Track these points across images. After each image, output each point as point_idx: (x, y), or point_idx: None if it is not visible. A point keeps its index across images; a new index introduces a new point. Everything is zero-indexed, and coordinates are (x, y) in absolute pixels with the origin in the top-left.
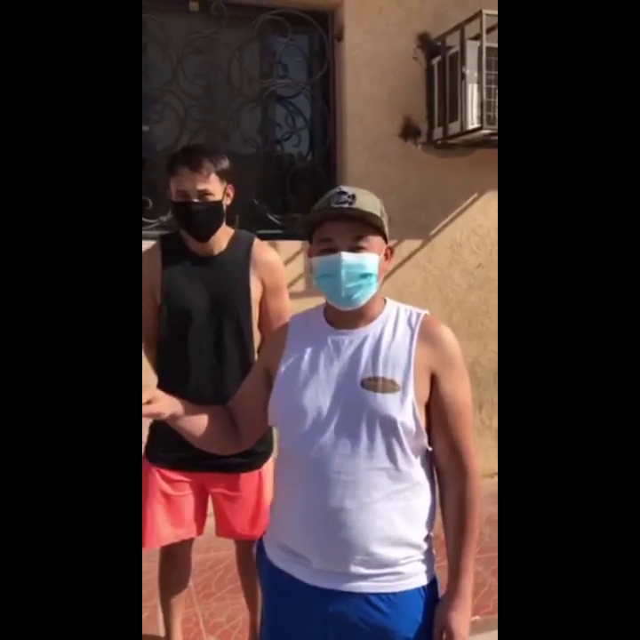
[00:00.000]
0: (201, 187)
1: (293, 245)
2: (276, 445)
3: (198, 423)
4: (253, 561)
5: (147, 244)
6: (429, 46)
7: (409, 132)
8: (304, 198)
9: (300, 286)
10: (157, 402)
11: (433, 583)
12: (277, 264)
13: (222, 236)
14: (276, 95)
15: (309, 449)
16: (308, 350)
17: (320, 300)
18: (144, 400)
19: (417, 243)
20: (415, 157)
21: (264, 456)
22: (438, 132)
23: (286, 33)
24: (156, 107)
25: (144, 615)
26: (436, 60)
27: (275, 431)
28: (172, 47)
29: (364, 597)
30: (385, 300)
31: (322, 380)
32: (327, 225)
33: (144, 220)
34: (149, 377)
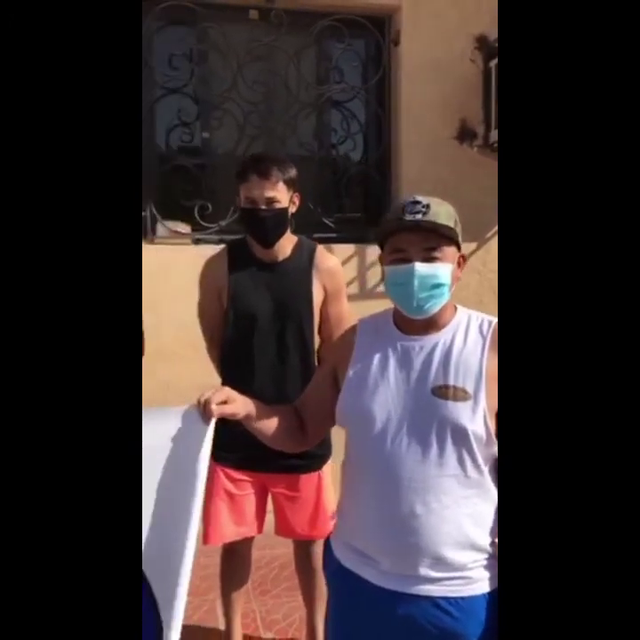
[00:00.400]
0: (269, 194)
1: (347, 249)
2: (335, 447)
3: (269, 423)
4: (311, 560)
5: (206, 248)
6: (487, 48)
7: (465, 134)
8: (358, 202)
9: (353, 289)
10: (233, 402)
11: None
12: (338, 270)
13: (286, 243)
14: (331, 100)
15: (379, 453)
16: (377, 355)
17: (374, 304)
18: (220, 400)
19: (472, 246)
20: (471, 160)
21: (323, 458)
22: (494, 135)
23: (343, 38)
24: (217, 113)
25: (203, 609)
26: (493, 63)
27: (334, 434)
28: (232, 55)
29: (433, 601)
30: (456, 308)
31: (391, 386)
32: (401, 235)
33: (203, 224)
34: (214, 377)
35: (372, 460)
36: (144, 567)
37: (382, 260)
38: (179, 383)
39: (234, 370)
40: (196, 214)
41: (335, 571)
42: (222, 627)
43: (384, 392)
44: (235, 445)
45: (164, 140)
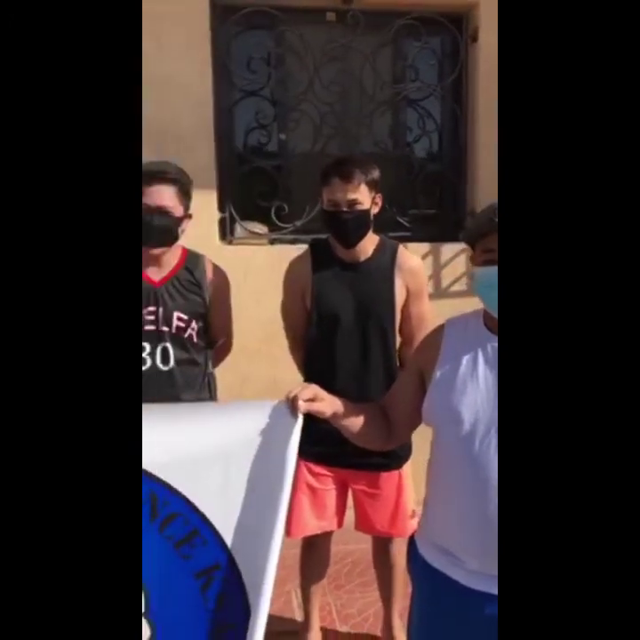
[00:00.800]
0: (351, 196)
1: (421, 248)
2: (415, 446)
3: (355, 421)
4: (389, 557)
5: (282, 248)
6: None
7: None
8: (433, 201)
9: (428, 288)
10: (321, 400)
11: None
12: (420, 270)
13: (368, 244)
14: (407, 99)
15: (467, 454)
16: (467, 355)
17: (448, 303)
18: (308, 397)
19: None
20: None
21: (404, 457)
22: None
23: (420, 37)
24: (293, 115)
25: (281, 599)
26: None
27: (414, 434)
28: (309, 57)
29: None
30: None
31: (481, 387)
32: (493, 236)
33: (280, 224)
34: (289, 373)
35: (459, 461)
36: (234, 554)
37: (474, 260)
38: (255, 378)
39: (317, 369)
40: (273, 215)
41: (421, 569)
42: (298, 617)
43: (473, 393)
44: (317, 440)
45: (242, 143)
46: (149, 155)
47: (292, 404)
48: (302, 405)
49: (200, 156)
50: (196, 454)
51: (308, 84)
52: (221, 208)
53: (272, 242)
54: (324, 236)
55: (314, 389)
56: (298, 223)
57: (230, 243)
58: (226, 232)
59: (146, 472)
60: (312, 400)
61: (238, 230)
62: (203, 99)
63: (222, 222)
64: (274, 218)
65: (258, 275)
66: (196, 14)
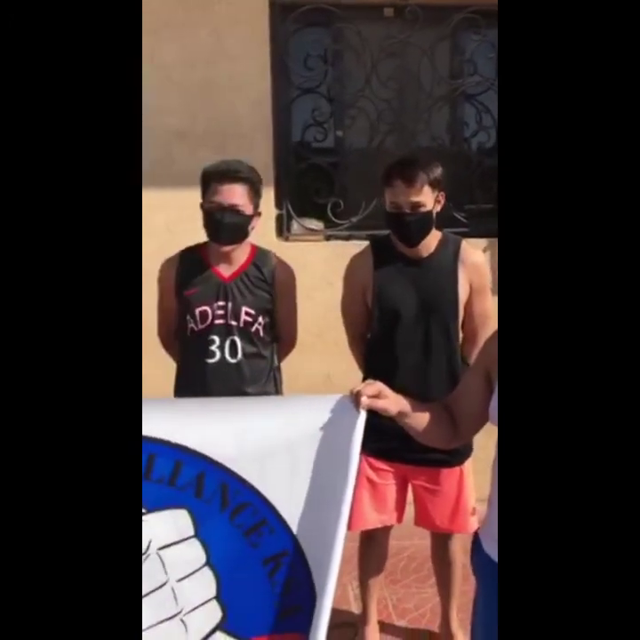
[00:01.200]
0: (414, 199)
1: (479, 243)
2: (476, 443)
3: (419, 419)
4: (448, 553)
5: (337, 244)
6: None
7: None
8: (490, 196)
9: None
10: (385, 398)
11: None
12: (484, 265)
13: (431, 240)
14: (465, 94)
15: None
16: None
17: None
18: (372, 393)
19: None
20: None
21: (465, 454)
22: None
23: (479, 30)
24: (351, 111)
25: (337, 592)
26: None
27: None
28: (366, 53)
29: None
30: None
31: None
32: None
33: (335, 220)
34: (342, 368)
35: None
36: (300, 542)
37: None
38: (308, 373)
39: (377, 365)
40: (329, 211)
41: (485, 566)
42: (354, 609)
43: None
44: (379, 435)
45: (298, 140)
46: (210, 153)
47: (355, 399)
48: (365, 402)
49: (258, 154)
50: (264, 447)
51: (365, 81)
52: (278, 205)
53: (327, 238)
54: (380, 232)
55: (378, 386)
56: (354, 219)
57: (286, 239)
58: (282, 229)
59: (217, 463)
60: (376, 397)
61: (294, 227)
62: (261, 97)
63: (279, 219)
64: (330, 214)
65: (313, 271)
66: (256, 13)
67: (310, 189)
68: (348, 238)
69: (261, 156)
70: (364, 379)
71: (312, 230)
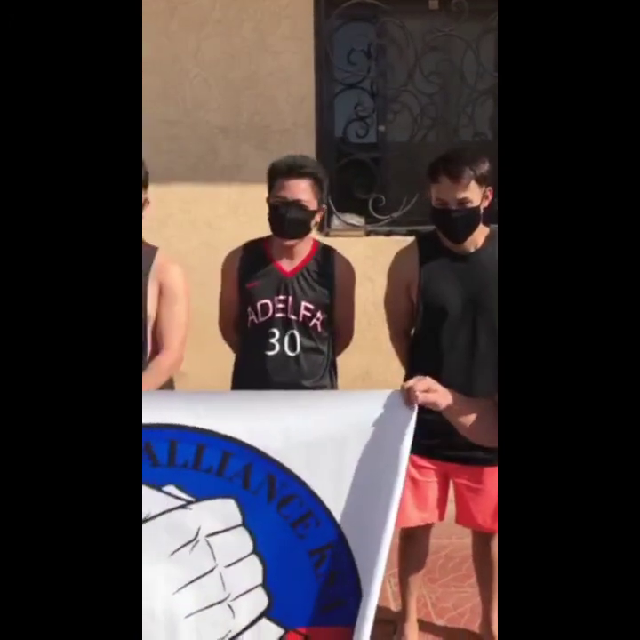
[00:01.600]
0: (460, 196)
1: None
2: None
3: (468, 415)
4: (490, 553)
5: (377, 240)
6: None
7: None
8: None
9: None
10: (434, 392)
11: None
12: None
13: (479, 235)
14: None
15: None
16: None
17: None
18: (423, 388)
19: None
20: None
21: None
22: None
23: None
24: (394, 106)
25: None
26: None
27: None
28: (410, 48)
29: None
30: None
31: None
32: None
33: (377, 216)
34: (379, 364)
35: None
36: (346, 536)
37: None
38: (348, 368)
39: (421, 362)
40: (370, 207)
41: None
42: (393, 607)
43: None
44: (421, 432)
45: (341, 135)
46: (252, 148)
47: (408, 394)
48: (420, 396)
49: (301, 149)
50: (312, 440)
51: (408, 76)
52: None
53: (368, 234)
54: (422, 228)
55: (428, 381)
56: (395, 215)
57: (327, 235)
58: (323, 224)
59: (265, 455)
60: (426, 391)
61: (335, 222)
62: (304, 92)
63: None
64: (371, 210)
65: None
66: (300, 9)
67: (352, 185)
68: (388, 234)
69: (303, 151)
70: (407, 375)
71: (353, 226)
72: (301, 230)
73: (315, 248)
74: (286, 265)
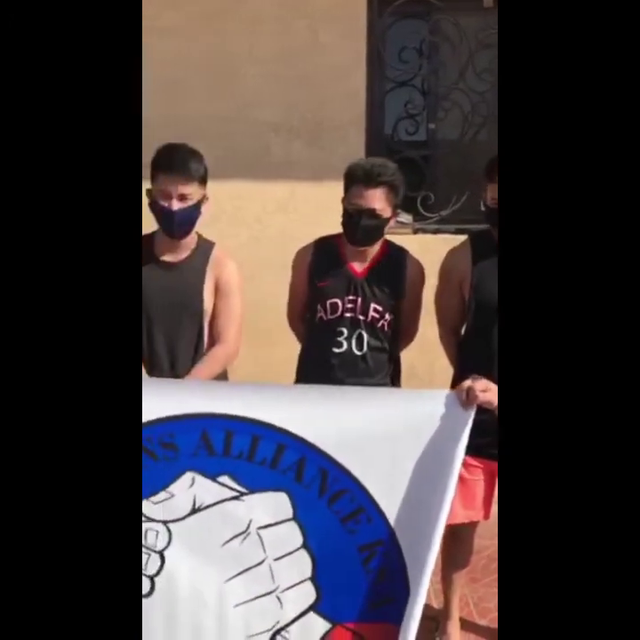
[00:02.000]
0: None
1: None
2: None
3: None
4: None
5: (422, 238)
6: None
7: None
8: None
9: None
10: (490, 391)
11: None
12: None
13: None
14: None
15: None
16: None
17: None
18: (482, 388)
19: None
20: None
21: None
22: None
23: None
24: (445, 104)
25: None
26: None
27: None
28: (463, 45)
29: None
30: None
31: None
32: None
33: (425, 213)
34: (434, 364)
35: None
36: (397, 534)
37: None
38: None
39: (472, 360)
40: (419, 204)
41: None
42: (434, 604)
43: None
44: (470, 431)
45: (391, 133)
46: (303, 145)
47: (467, 394)
48: (479, 396)
49: (351, 147)
50: (365, 437)
51: (460, 73)
52: None
53: (416, 231)
54: (473, 226)
55: (484, 381)
56: (443, 213)
57: None
58: None
59: (318, 449)
60: (484, 391)
61: None
62: (356, 90)
63: None
64: (419, 207)
65: None
66: (353, 7)
67: None
68: (435, 232)
69: (353, 148)
70: (456, 373)
71: (401, 223)
72: (374, 237)
73: (386, 249)
74: (358, 265)
